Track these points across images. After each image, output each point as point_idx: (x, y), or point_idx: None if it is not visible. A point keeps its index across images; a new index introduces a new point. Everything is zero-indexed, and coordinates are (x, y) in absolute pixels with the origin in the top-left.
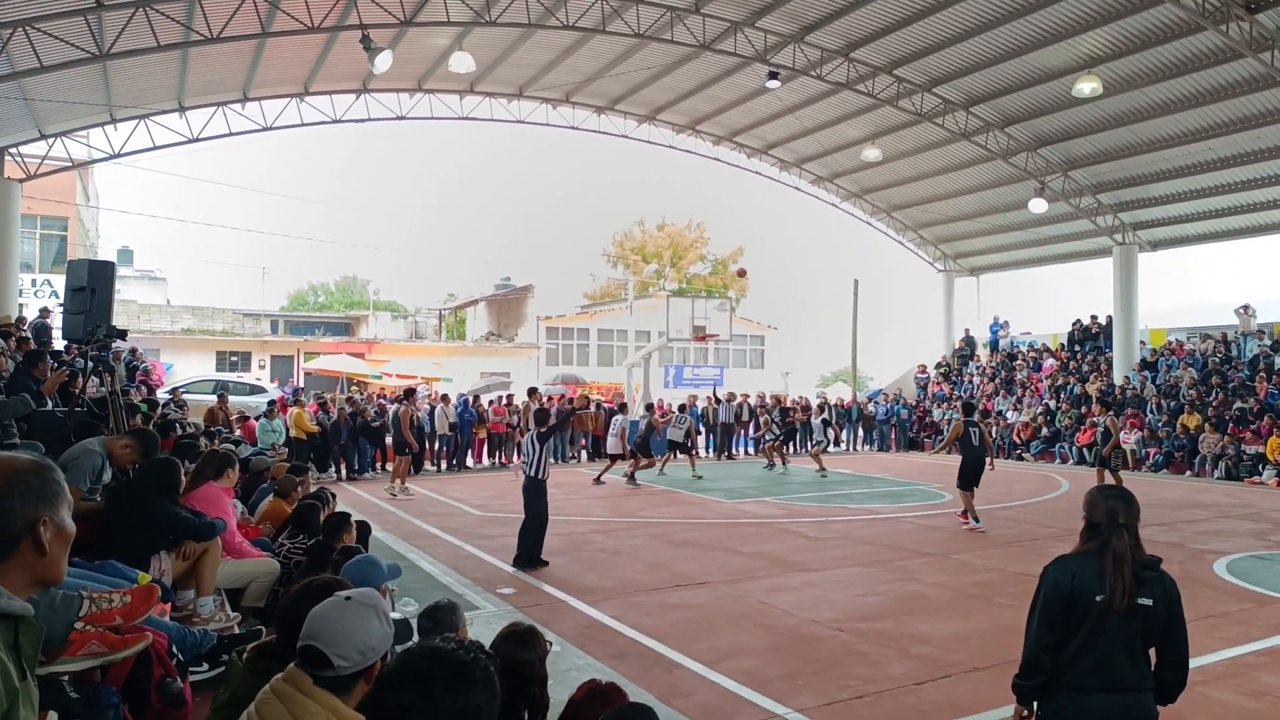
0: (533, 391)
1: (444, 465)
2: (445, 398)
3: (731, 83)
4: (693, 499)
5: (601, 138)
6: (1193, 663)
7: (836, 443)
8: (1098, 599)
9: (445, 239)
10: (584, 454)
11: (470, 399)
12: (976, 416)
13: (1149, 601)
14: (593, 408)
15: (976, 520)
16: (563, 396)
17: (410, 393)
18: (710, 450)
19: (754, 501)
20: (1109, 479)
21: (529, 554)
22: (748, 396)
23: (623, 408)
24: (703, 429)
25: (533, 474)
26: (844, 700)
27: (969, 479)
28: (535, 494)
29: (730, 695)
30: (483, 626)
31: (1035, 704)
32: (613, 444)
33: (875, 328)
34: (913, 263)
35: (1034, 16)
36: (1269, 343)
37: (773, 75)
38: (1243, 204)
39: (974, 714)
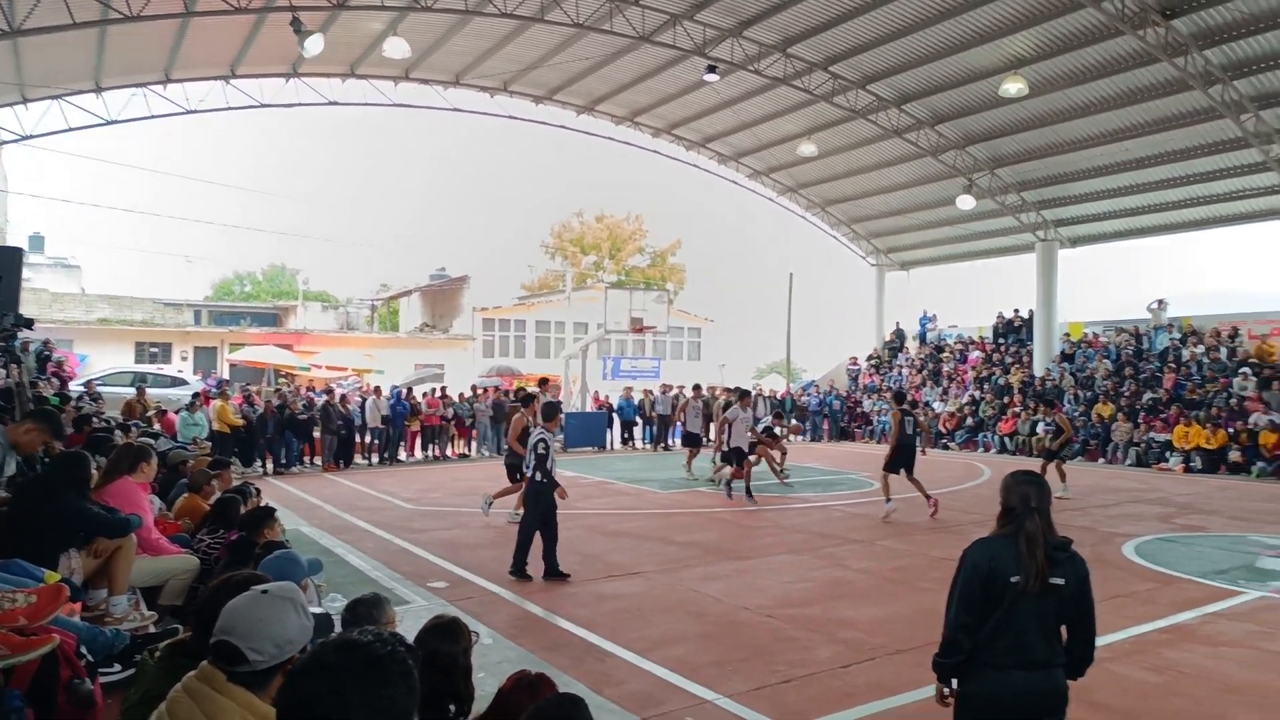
0: (544, 383)
1: (375, 459)
2: (377, 390)
3: (670, 75)
4: (628, 490)
5: (540, 128)
6: (1101, 640)
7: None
8: (1013, 580)
9: (379, 228)
10: None
11: (403, 391)
12: (908, 405)
13: (1061, 581)
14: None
15: (891, 504)
16: (497, 389)
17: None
18: (646, 442)
19: (689, 492)
20: (1052, 472)
21: (517, 562)
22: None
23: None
24: (639, 420)
25: (537, 477)
26: (772, 685)
27: (899, 464)
28: (534, 498)
29: (661, 683)
30: (414, 621)
31: (955, 682)
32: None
33: (810, 320)
34: (847, 257)
35: (964, 17)
36: (1178, 336)
37: (711, 69)
38: (1156, 203)
39: (897, 694)
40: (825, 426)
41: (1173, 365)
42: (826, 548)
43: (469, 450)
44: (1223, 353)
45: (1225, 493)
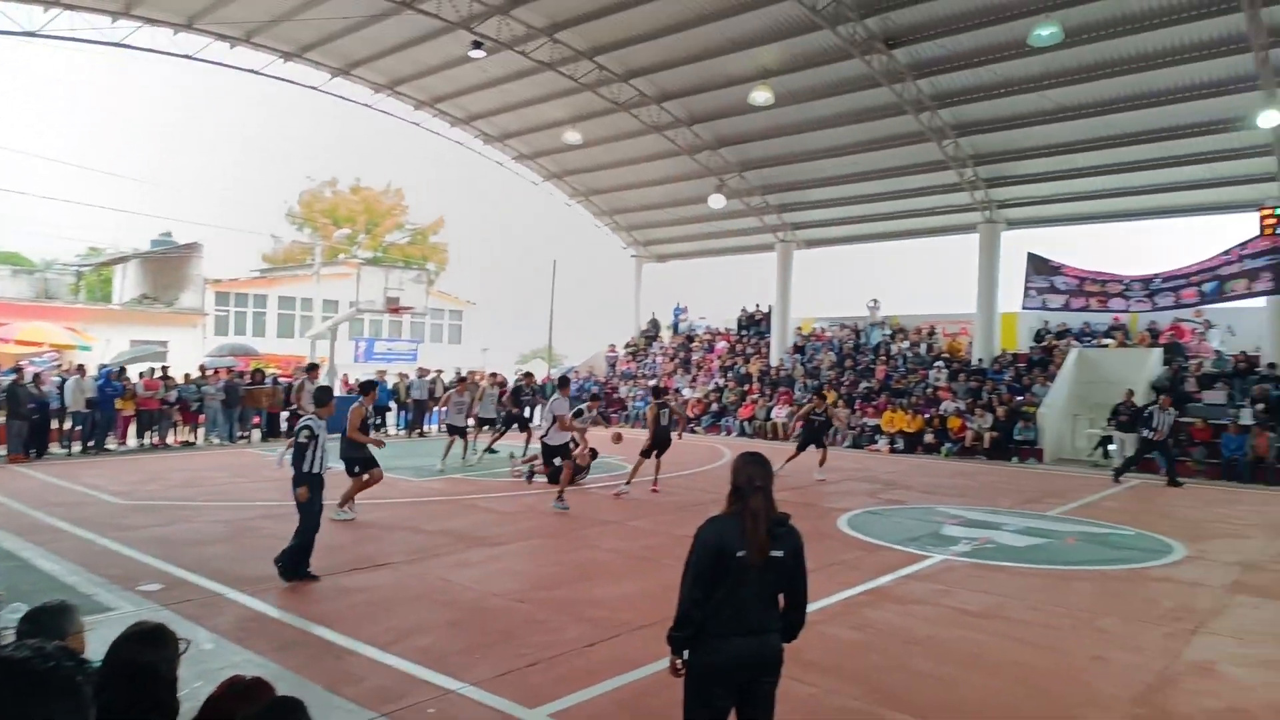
0: (312, 369)
1: (77, 447)
2: (81, 369)
3: (435, 46)
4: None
5: (288, 88)
6: (814, 605)
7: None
8: (739, 555)
9: (88, 184)
10: (257, 432)
11: (114, 371)
12: (666, 398)
13: (780, 554)
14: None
15: (627, 486)
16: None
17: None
18: (401, 428)
19: (444, 479)
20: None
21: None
22: (441, 372)
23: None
24: (394, 405)
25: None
26: (519, 669)
27: (652, 449)
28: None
29: (405, 676)
30: (116, 630)
31: (686, 653)
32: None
33: (573, 307)
34: (608, 246)
35: (721, 24)
36: (889, 333)
37: (477, 45)
38: (875, 213)
39: (639, 668)
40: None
41: (884, 358)
42: (580, 530)
43: (194, 437)
44: (922, 348)
45: (921, 470)
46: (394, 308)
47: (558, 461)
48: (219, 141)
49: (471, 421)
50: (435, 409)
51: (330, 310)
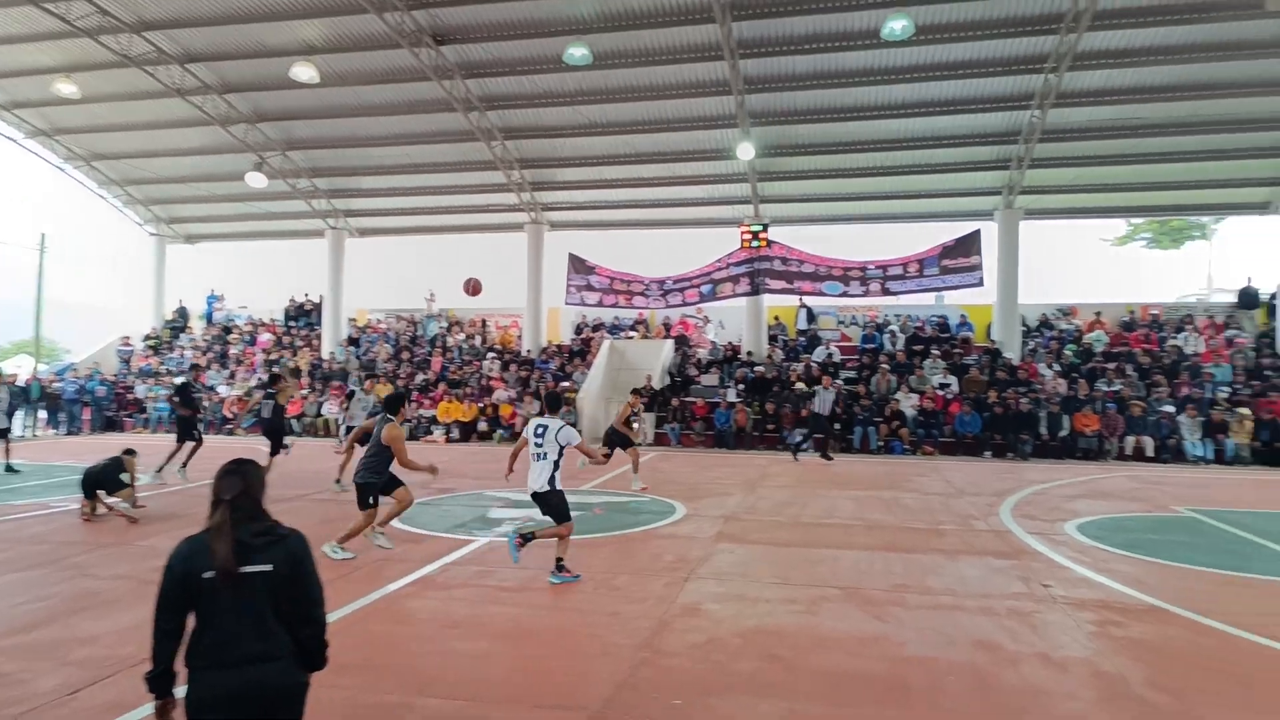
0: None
1: None
2: None
3: None
4: None
5: None
6: (355, 604)
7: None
8: (205, 575)
9: None
10: None
11: None
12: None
13: (267, 567)
14: None
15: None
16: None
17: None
18: None
19: None
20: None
21: None
22: None
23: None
24: None
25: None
26: None
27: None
28: None
29: None
30: None
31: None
32: None
33: (71, 292)
34: (120, 222)
35: None
36: (446, 325)
37: None
38: (433, 206)
39: (134, 710)
40: (86, 417)
41: (441, 350)
42: (73, 557)
43: None
44: (477, 340)
45: (474, 457)
46: None
47: None
48: None
49: None
50: None
51: None
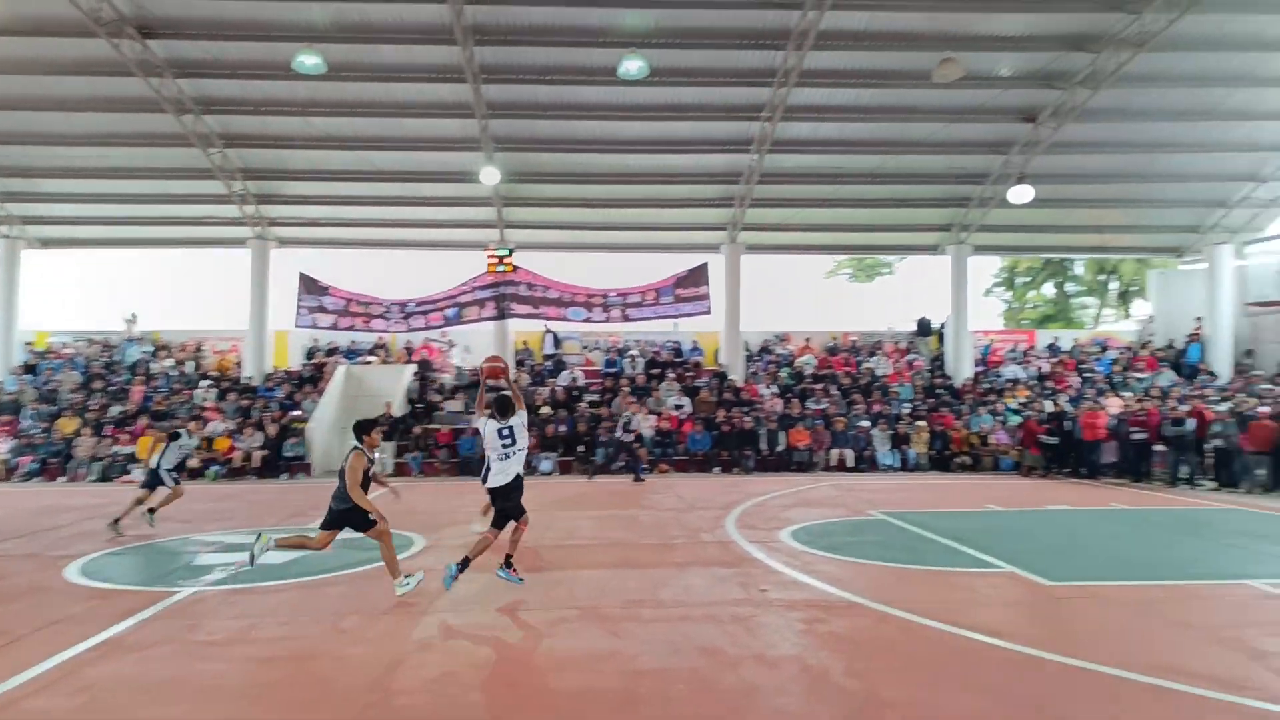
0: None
1: None
2: None
3: None
4: None
5: None
6: (22, 676)
7: None
8: None
9: None
10: None
11: None
12: None
13: None
14: None
15: None
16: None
17: None
18: None
19: None
20: None
21: None
22: None
23: None
24: None
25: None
26: None
27: None
28: None
29: None
30: None
31: None
32: None
33: None
34: None
35: None
36: (150, 350)
37: None
38: (136, 216)
39: None
40: None
41: (143, 377)
42: None
43: None
44: (189, 366)
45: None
46: None
47: None
48: None
49: None
50: None
51: None
